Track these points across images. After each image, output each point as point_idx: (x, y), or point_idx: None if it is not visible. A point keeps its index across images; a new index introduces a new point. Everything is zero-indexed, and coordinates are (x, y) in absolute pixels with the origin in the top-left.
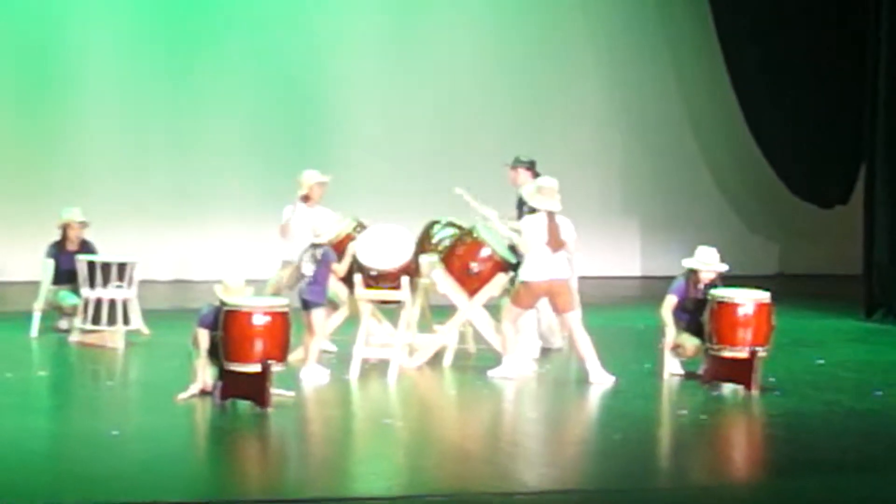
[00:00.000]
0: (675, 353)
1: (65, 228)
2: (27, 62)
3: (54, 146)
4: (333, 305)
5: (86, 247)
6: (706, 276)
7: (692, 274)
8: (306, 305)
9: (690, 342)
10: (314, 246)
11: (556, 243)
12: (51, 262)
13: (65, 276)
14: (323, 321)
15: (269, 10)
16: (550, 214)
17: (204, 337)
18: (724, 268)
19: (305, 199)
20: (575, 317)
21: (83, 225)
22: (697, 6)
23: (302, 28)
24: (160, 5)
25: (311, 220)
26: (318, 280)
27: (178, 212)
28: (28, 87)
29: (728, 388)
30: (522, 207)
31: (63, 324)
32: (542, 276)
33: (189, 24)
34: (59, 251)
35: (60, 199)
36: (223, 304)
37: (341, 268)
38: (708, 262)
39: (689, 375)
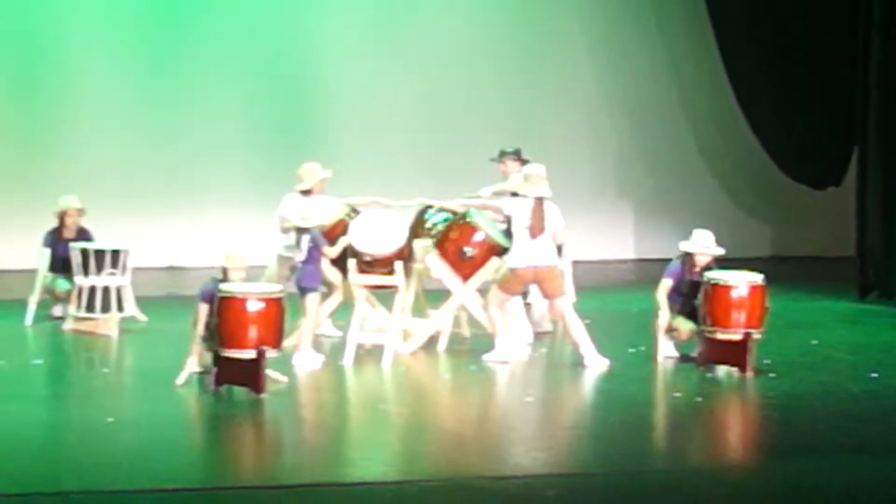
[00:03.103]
0: (670, 336)
1: (62, 216)
2: (21, 53)
3: (49, 135)
4: (329, 288)
5: (83, 234)
6: (702, 259)
7: (688, 257)
8: (302, 291)
9: (685, 326)
10: (301, 230)
11: (536, 229)
12: (47, 252)
13: (61, 264)
14: (317, 306)
15: (260, 1)
16: (538, 200)
17: (204, 312)
18: (721, 251)
19: (306, 192)
20: (565, 302)
21: (80, 212)
22: None
23: (293, 17)
24: None
25: (307, 205)
26: (310, 263)
27: (171, 199)
28: (22, 77)
29: (722, 371)
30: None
31: (57, 311)
32: (526, 263)
33: (181, 15)
34: (56, 239)
35: (55, 187)
36: (220, 290)
37: (333, 251)
38: (705, 245)
39: (684, 358)
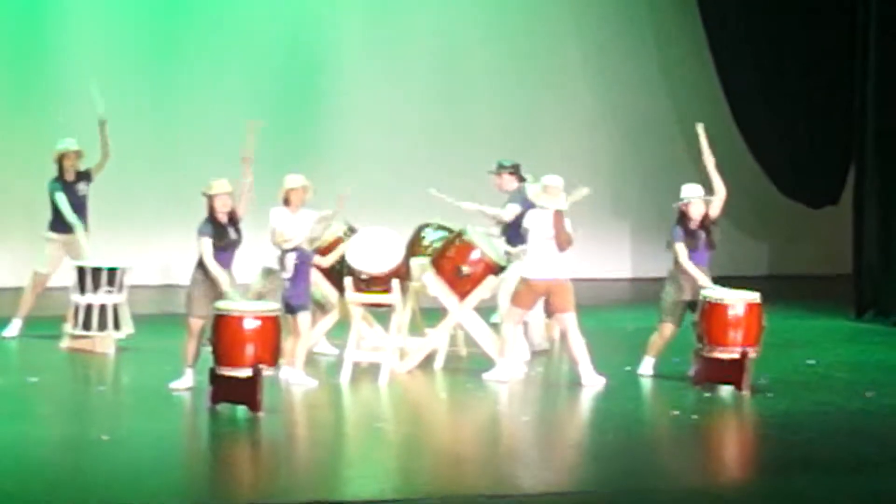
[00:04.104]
0: (654, 348)
1: (60, 159)
2: (17, 68)
3: (41, 152)
4: (322, 308)
5: (83, 177)
6: (696, 209)
7: (683, 216)
8: (291, 310)
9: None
10: (286, 251)
11: (563, 241)
12: (62, 196)
13: (71, 206)
14: (309, 324)
15: (261, 10)
16: (557, 213)
17: (208, 245)
18: (710, 199)
19: (285, 203)
20: (571, 318)
21: (78, 154)
22: (687, 7)
23: (293, 31)
24: (147, 6)
25: (289, 223)
26: (298, 281)
27: (166, 216)
28: (16, 93)
29: (719, 390)
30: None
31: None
32: (543, 275)
33: (177, 26)
34: (62, 185)
35: (47, 206)
36: (216, 309)
37: (327, 260)
38: (694, 194)
39: (683, 377)
